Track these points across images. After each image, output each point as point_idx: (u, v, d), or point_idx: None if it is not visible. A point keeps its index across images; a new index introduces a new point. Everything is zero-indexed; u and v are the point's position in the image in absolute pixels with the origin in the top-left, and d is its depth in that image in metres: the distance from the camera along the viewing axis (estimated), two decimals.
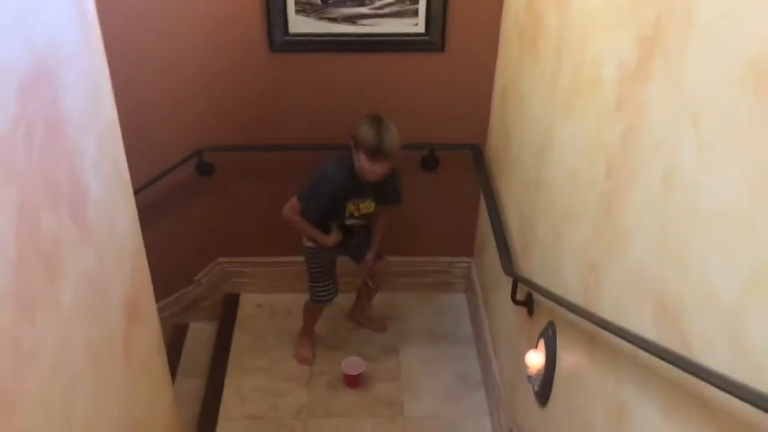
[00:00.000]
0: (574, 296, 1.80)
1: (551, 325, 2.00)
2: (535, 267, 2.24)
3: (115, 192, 1.61)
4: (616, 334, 1.40)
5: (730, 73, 1.03)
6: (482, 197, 2.93)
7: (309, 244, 2.84)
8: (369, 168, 2.48)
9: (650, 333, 1.31)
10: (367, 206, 2.70)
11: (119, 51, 1.77)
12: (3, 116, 1.05)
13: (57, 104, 1.28)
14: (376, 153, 2.43)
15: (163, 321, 2.17)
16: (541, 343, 2.04)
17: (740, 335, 1.02)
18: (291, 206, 2.67)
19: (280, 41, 2.66)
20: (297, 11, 2.58)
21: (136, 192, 1.87)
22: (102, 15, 1.59)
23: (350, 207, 2.68)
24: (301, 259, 2.93)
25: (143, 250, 1.84)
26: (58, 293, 1.24)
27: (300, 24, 2.61)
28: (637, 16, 1.38)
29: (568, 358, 1.88)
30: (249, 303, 3.40)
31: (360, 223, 2.76)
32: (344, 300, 3.14)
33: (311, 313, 3.09)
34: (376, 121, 2.45)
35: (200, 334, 3.28)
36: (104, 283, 1.50)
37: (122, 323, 1.63)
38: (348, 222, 2.73)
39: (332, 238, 2.73)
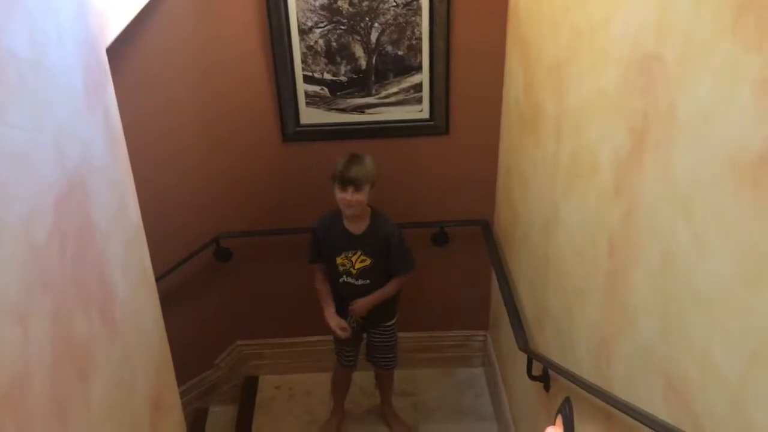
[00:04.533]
0: (587, 372, 1.82)
1: (568, 400, 2.01)
2: (548, 341, 2.26)
3: (140, 291, 1.67)
4: (628, 414, 1.43)
5: (714, 167, 1.09)
6: (493, 271, 2.98)
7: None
8: (340, 197, 2.56)
9: (661, 411, 1.34)
10: (360, 259, 2.68)
11: (138, 145, 1.85)
12: (40, 231, 1.12)
13: (87, 214, 1.35)
14: (342, 179, 2.53)
15: (183, 406, 2.19)
16: (559, 419, 2.05)
17: (746, 413, 1.06)
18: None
19: (293, 132, 2.79)
20: (308, 104, 2.72)
21: (156, 281, 1.88)
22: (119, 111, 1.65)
23: (340, 260, 2.68)
24: (318, 338, 2.97)
25: (167, 343, 1.89)
26: (89, 394, 1.28)
27: (311, 115, 2.75)
28: (626, 108, 1.46)
29: None
30: (268, 385, 3.42)
31: (364, 284, 2.71)
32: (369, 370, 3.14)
33: (337, 385, 3.10)
34: (350, 154, 2.57)
35: (220, 417, 3.29)
36: (131, 380, 1.54)
37: (148, 417, 1.66)
38: (343, 280, 2.70)
39: (335, 319, 2.73)
